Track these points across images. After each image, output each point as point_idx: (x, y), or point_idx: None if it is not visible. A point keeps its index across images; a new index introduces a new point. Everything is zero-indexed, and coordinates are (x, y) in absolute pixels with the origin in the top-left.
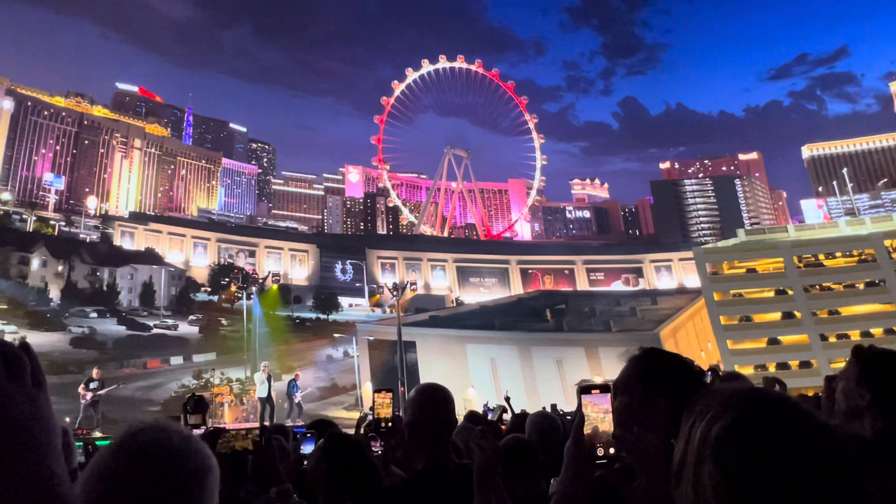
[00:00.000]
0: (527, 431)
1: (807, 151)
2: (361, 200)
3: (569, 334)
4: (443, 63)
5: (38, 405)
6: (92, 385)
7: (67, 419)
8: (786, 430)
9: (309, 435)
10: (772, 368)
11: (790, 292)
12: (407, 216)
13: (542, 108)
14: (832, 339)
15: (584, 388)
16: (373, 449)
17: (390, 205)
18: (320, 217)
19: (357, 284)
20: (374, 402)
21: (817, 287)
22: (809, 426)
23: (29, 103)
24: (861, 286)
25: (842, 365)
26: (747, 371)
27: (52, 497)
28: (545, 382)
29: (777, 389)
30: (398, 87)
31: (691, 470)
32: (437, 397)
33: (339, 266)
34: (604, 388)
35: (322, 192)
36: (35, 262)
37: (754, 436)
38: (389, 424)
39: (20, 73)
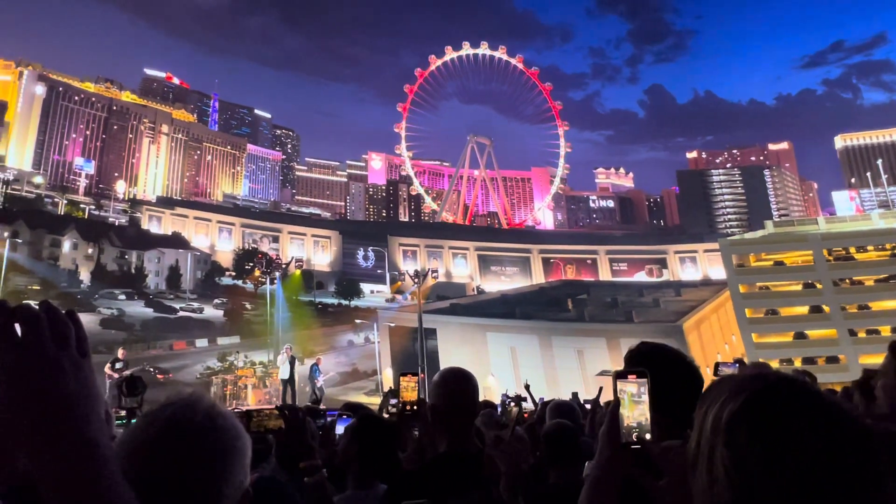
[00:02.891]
0: (547, 417)
1: (840, 141)
2: (384, 187)
3: (590, 325)
4: (466, 50)
5: (83, 373)
6: (118, 365)
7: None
8: (796, 411)
9: (344, 416)
10: (798, 363)
11: (819, 286)
12: (430, 204)
13: (567, 96)
14: (861, 335)
15: (621, 373)
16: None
17: (413, 193)
18: (343, 203)
19: (379, 271)
20: (399, 385)
21: (847, 281)
22: (821, 407)
23: (60, 89)
24: (893, 281)
25: (870, 361)
26: (772, 365)
27: (94, 466)
28: (566, 372)
29: None
30: (422, 75)
31: (705, 456)
32: (462, 381)
33: (361, 252)
34: (640, 373)
35: (345, 179)
36: (66, 245)
37: (764, 417)
38: (414, 408)
39: (51, 58)
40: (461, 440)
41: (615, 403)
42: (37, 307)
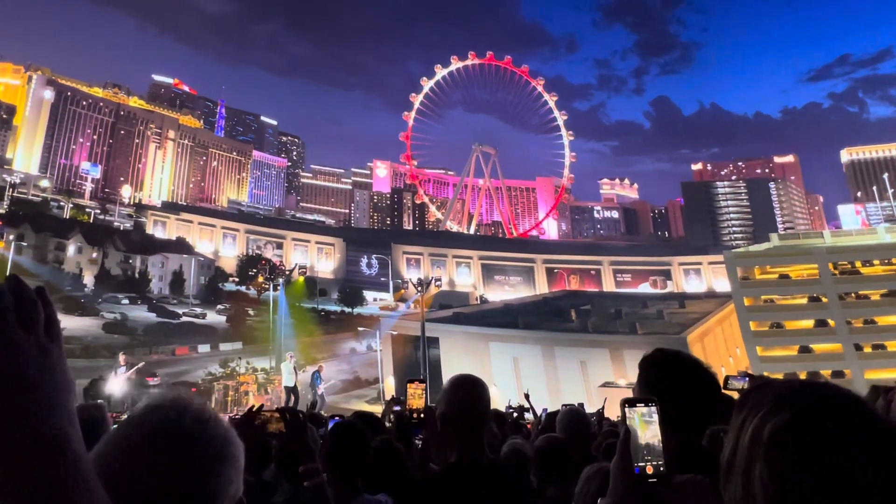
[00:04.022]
0: (557, 429)
1: (846, 155)
2: (388, 195)
3: (593, 335)
4: (472, 60)
5: (50, 358)
6: (120, 370)
7: (100, 401)
8: (846, 430)
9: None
10: (802, 377)
11: (824, 300)
12: (434, 212)
13: (573, 107)
14: (867, 350)
15: (630, 401)
16: (415, 442)
17: (418, 201)
18: (347, 211)
19: (382, 279)
20: (406, 392)
21: (853, 295)
22: (873, 427)
23: (68, 93)
24: None
25: (876, 376)
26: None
27: (60, 464)
28: (568, 383)
29: None
30: (427, 84)
31: (741, 469)
32: (473, 389)
33: (364, 260)
34: (648, 401)
35: (349, 187)
36: (71, 249)
37: (811, 436)
38: (421, 416)
39: (60, 63)
40: (472, 450)
41: (625, 434)
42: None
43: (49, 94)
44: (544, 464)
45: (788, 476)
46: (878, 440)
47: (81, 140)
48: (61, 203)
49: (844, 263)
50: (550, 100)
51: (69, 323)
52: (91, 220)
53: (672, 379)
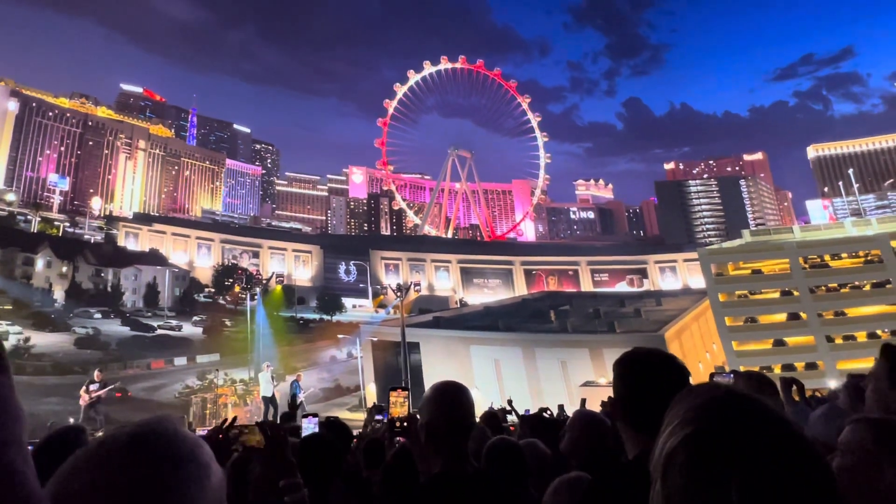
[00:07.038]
0: (569, 431)
1: (812, 152)
2: (365, 201)
3: (573, 335)
4: (444, 64)
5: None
6: (93, 387)
7: (71, 420)
8: (741, 459)
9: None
10: (777, 370)
11: (796, 293)
12: (412, 218)
13: (547, 109)
14: (838, 341)
15: None
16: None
17: (395, 207)
18: (324, 218)
19: (361, 285)
20: (388, 400)
21: (823, 288)
22: (775, 460)
23: (34, 104)
24: (867, 287)
25: (848, 366)
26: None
27: (9, 492)
28: (549, 384)
29: (794, 390)
30: (400, 90)
31: (656, 478)
32: (456, 396)
33: (342, 267)
34: None
35: (326, 193)
36: (39, 263)
37: (700, 463)
38: (404, 424)
39: (25, 74)
40: (457, 459)
41: None
42: None
43: (13, 106)
44: (492, 466)
45: (673, 496)
46: (774, 477)
47: (48, 152)
48: (28, 217)
49: (814, 257)
50: (523, 102)
51: (39, 339)
52: (60, 234)
53: (646, 379)
